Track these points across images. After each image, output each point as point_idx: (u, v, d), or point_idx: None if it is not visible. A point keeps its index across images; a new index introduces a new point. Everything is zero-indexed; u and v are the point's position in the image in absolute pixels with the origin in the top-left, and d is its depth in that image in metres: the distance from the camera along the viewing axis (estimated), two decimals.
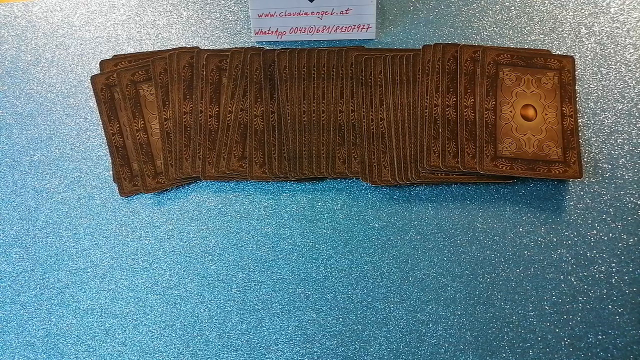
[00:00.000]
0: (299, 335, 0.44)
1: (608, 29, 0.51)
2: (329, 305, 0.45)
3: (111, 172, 0.49)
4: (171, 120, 0.48)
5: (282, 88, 0.48)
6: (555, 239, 0.45)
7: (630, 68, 0.49)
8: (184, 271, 0.46)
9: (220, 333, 0.44)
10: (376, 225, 0.46)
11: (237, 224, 0.47)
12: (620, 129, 0.48)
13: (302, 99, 0.48)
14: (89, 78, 0.52)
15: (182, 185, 0.48)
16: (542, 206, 0.46)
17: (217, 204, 0.48)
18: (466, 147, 0.45)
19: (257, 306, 0.45)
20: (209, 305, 0.45)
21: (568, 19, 0.51)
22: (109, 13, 0.54)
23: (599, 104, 0.48)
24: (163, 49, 0.52)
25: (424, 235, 0.46)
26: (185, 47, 0.51)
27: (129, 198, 0.48)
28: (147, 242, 0.47)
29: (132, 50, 0.53)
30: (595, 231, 0.45)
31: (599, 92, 0.49)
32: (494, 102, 0.46)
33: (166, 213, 0.48)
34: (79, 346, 0.45)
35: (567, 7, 0.52)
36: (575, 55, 0.50)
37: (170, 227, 0.47)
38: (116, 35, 0.53)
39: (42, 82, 0.52)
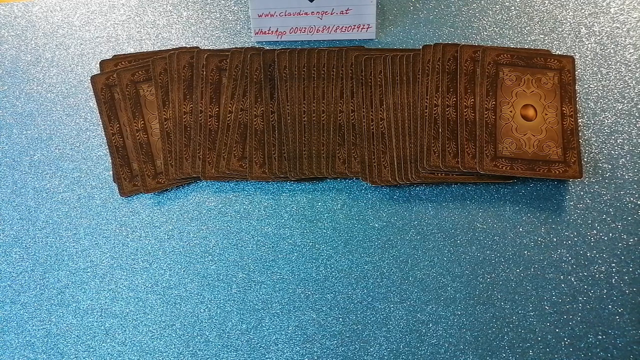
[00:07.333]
0: (299, 335, 0.44)
1: (608, 29, 0.51)
2: (329, 305, 0.45)
3: (111, 172, 0.49)
4: (171, 120, 0.48)
5: (282, 88, 0.48)
6: (555, 239, 0.45)
7: (630, 68, 0.49)
8: (184, 271, 0.46)
9: (220, 333, 0.44)
10: (376, 225, 0.46)
11: (237, 224, 0.47)
12: (620, 129, 0.48)
13: (302, 99, 0.48)
14: (89, 78, 0.52)
15: (182, 185, 0.48)
16: (542, 206, 0.46)
17: (217, 204, 0.48)
18: (466, 147, 0.45)
19: (257, 306, 0.45)
20: (209, 305, 0.45)
21: (568, 19, 0.51)
22: (109, 13, 0.54)
23: (599, 104, 0.48)
24: (163, 49, 0.52)
25: (424, 235, 0.46)
26: (185, 47, 0.51)
27: (129, 198, 0.48)
28: (147, 242, 0.47)
29: (132, 50, 0.52)
30: (595, 231, 0.45)
31: (599, 92, 0.49)
32: (494, 102, 0.46)
33: (166, 213, 0.48)
34: (79, 346, 0.45)
35: (567, 7, 0.52)
36: (575, 55, 0.50)
37: (170, 227, 0.47)
38: (116, 35, 0.53)
39: (42, 82, 0.52)
